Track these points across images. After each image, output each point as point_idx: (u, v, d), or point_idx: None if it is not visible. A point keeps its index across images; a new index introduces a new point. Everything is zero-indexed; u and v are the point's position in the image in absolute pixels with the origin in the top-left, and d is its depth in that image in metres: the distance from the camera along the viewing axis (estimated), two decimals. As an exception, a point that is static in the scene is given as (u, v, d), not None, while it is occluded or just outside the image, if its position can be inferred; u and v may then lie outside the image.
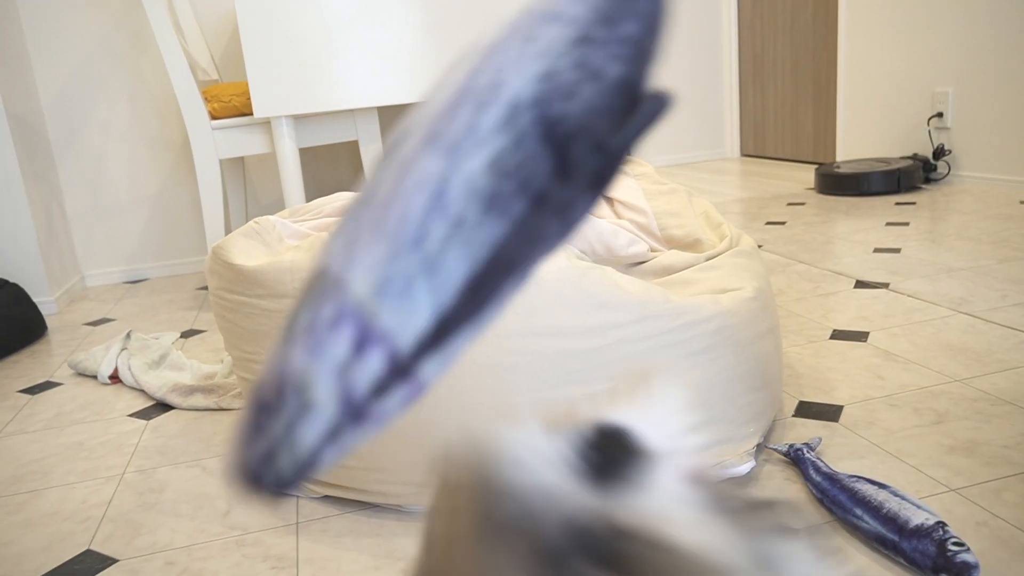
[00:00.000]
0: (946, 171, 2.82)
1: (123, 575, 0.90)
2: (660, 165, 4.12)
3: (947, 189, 2.71)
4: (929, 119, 2.84)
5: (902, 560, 0.77)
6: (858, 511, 0.83)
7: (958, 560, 0.72)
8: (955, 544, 0.73)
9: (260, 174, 2.66)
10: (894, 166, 2.75)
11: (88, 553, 0.96)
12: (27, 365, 1.76)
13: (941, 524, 0.76)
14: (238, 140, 1.96)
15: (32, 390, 1.59)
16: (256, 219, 1.11)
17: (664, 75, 4.00)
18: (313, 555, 0.91)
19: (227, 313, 1.05)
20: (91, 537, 1.00)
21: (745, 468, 0.96)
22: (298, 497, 1.04)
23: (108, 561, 0.94)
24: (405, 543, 0.91)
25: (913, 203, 2.54)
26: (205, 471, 1.15)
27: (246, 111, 1.98)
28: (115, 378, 1.58)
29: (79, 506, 1.08)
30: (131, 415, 1.40)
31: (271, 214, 2.72)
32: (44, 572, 0.93)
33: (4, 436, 1.36)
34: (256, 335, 1.00)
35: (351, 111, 1.98)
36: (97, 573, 0.91)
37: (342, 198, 1.24)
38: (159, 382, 1.47)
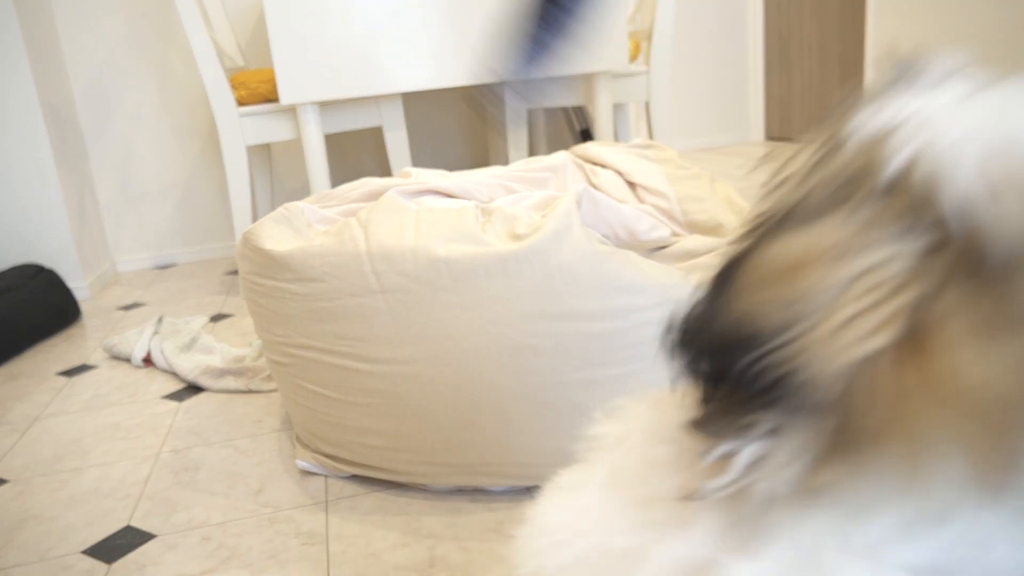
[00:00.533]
0: (975, 153, 2.78)
1: (162, 550, 0.94)
2: (684, 149, 4.09)
3: (976, 171, 2.68)
4: (958, 100, 2.79)
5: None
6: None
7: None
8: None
9: (286, 160, 2.69)
10: (922, 148, 2.72)
11: (128, 529, 1.00)
12: (64, 349, 1.81)
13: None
14: (264, 126, 1.99)
15: (69, 373, 1.64)
16: (285, 205, 1.14)
17: (687, 55, 3.97)
18: (342, 532, 0.94)
19: (258, 297, 1.08)
20: (131, 513, 1.03)
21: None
22: (327, 476, 1.07)
23: (147, 536, 0.97)
24: (431, 521, 0.94)
25: (941, 186, 2.51)
26: (237, 451, 1.19)
27: (272, 98, 2.01)
28: (148, 361, 1.62)
29: (118, 484, 1.12)
30: (164, 397, 1.44)
31: (297, 200, 2.75)
32: (88, 546, 0.97)
33: (45, 417, 1.41)
34: (286, 318, 1.03)
35: (376, 97, 2.00)
36: (137, 547, 0.95)
37: (368, 184, 1.25)
38: (190, 365, 1.51)
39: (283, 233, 1.05)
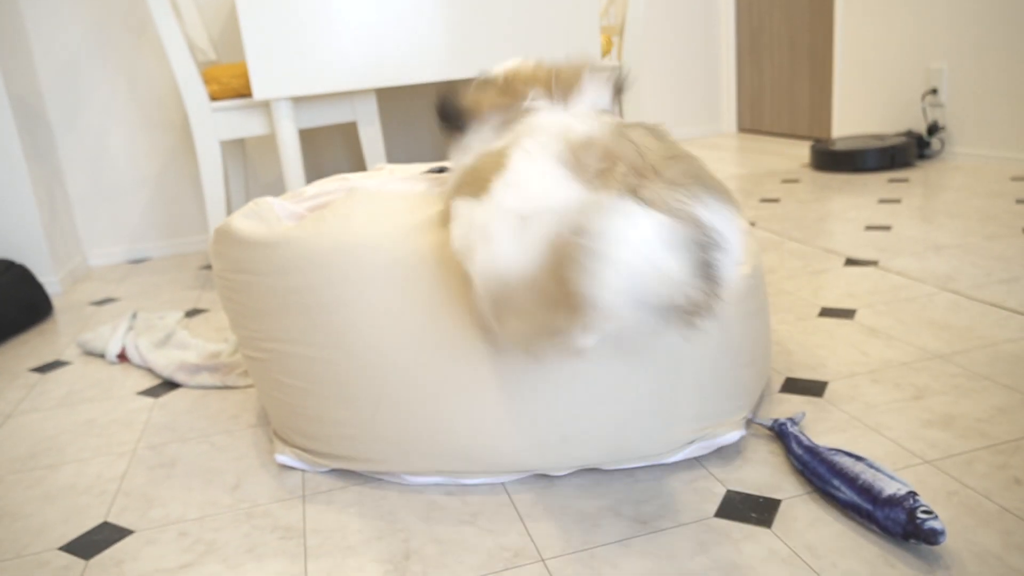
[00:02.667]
0: (940, 147, 2.85)
1: (140, 545, 0.95)
2: (657, 141, 4.13)
3: (940, 165, 2.74)
4: (924, 95, 2.85)
5: (875, 527, 0.82)
6: (836, 482, 0.88)
7: (926, 527, 0.77)
8: (924, 512, 0.78)
9: (260, 153, 2.68)
10: (888, 143, 2.78)
11: (105, 525, 1.01)
12: (36, 344, 1.80)
13: (912, 494, 0.80)
14: (238, 122, 1.99)
15: (42, 369, 1.63)
16: (255, 200, 1.15)
17: (660, 50, 4.00)
18: (319, 525, 0.96)
19: (232, 293, 1.09)
20: (107, 509, 1.04)
21: (734, 437, 1.00)
22: (305, 471, 1.09)
23: (125, 532, 0.98)
24: (406, 515, 0.96)
25: (906, 180, 2.57)
26: (214, 446, 1.20)
27: (245, 92, 2.00)
28: (123, 357, 1.62)
29: (94, 480, 1.13)
30: (139, 393, 1.45)
31: (272, 194, 2.75)
32: (65, 542, 0.97)
33: (19, 414, 1.41)
34: (261, 313, 1.04)
35: (350, 93, 2.00)
36: (115, 543, 0.96)
37: (342, 179, 1.27)
38: (166, 360, 1.51)
39: (253, 227, 1.06)
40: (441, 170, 1.22)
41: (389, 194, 1.06)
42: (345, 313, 0.96)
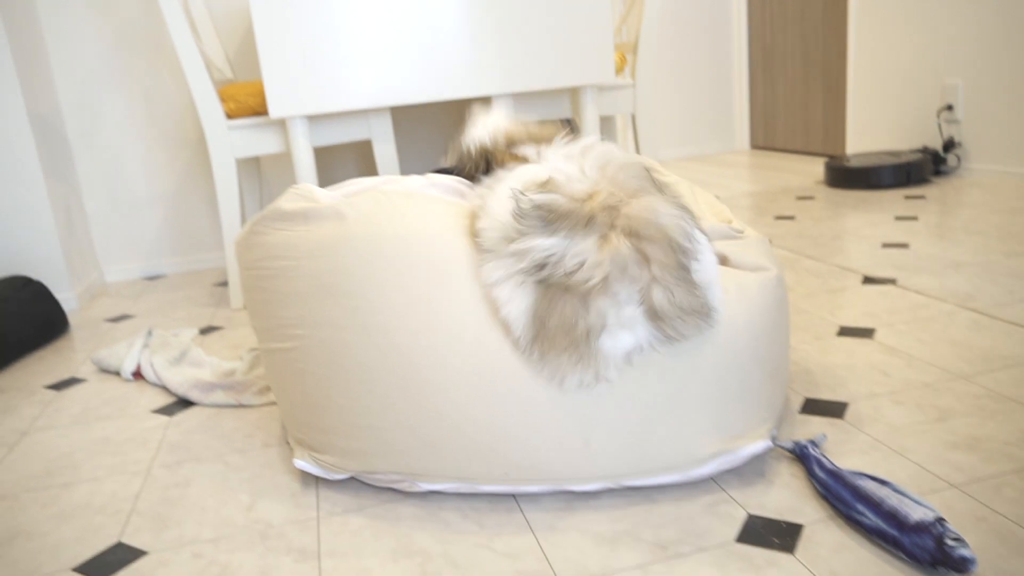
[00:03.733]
0: (956, 164, 2.83)
1: (154, 567, 0.95)
2: (670, 158, 4.13)
3: (957, 182, 2.72)
4: (939, 111, 2.84)
5: (902, 554, 0.80)
6: (860, 507, 0.86)
7: (956, 555, 0.75)
8: (953, 539, 0.76)
9: (275, 171, 2.70)
10: (904, 159, 2.76)
11: (119, 545, 1.00)
12: (52, 361, 1.81)
13: (940, 520, 0.78)
14: (254, 139, 2.00)
15: (58, 386, 1.64)
16: (295, 185, 1.17)
17: (673, 66, 4.00)
18: (334, 547, 0.94)
19: (264, 282, 1.07)
20: (122, 529, 1.04)
21: (761, 446, 0.98)
22: (319, 491, 1.08)
23: (139, 553, 0.98)
24: (422, 536, 0.95)
25: (922, 197, 2.55)
26: (228, 466, 1.19)
27: (261, 111, 2.01)
28: (138, 374, 1.62)
29: (109, 499, 1.13)
30: (154, 411, 1.45)
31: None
32: (79, 563, 0.97)
33: (34, 431, 1.41)
34: (294, 297, 1.03)
35: (365, 111, 2.01)
36: (129, 564, 0.95)
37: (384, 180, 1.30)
38: (180, 378, 1.51)
39: (302, 204, 1.08)
40: (446, 171, 1.29)
41: (438, 197, 1.08)
42: (381, 299, 0.97)
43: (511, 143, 1.14)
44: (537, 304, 0.88)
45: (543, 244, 0.85)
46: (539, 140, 1.13)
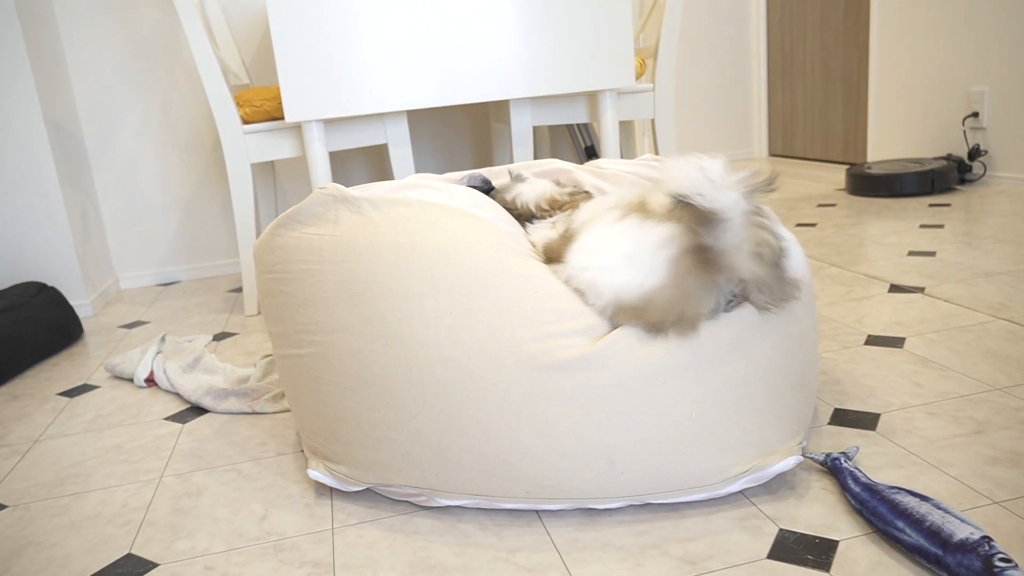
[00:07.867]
0: (982, 172, 2.77)
1: (164, 579, 0.92)
2: (687, 165, 4.08)
3: (983, 190, 2.66)
4: (964, 119, 2.79)
5: (945, 575, 0.76)
6: (900, 523, 0.82)
7: (1005, 576, 0.71)
8: (1002, 560, 0.72)
9: (290, 176, 2.68)
10: (928, 167, 2.71)
11: (130, 557, 0.97)
12: (65, 368, 1.79)
13: (987, 539, 0.74)
14: (269, 144, 1.98)
15: (71, 393, 1.62)
16: (322, 184, 1.14)
17: (692, 72, 3.97)
18: (349, 561, 0.91)
19: (283, 287, 1.05)
20: (132, 540, 1.01)
21: (792, 462, 0.94)
22: (333, 502, 1.05)
23: (149, 565, 0.95)
24: (440, 550, 0.92)
25: (948, 205, 2.50)
26: (241, 475, 1.17)
27: (277, 115, 2.00)
28: (151, 381, 1.60)
29: (120, 509, 1.10)
30: (167, 418, 1.43)
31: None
32: (88, 575, 0.94)
33: (46, 439, 1.39)
34: (315, 303, 1.00)
35: (381, 115, 1.99)
36: (139, 576, 0.93)
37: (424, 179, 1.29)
38: (193, 385, 1.49)
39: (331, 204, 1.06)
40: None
41: (468, 212, 1.05)
42: (405, 309, 0.94)
43: (554, 206, 1.25)
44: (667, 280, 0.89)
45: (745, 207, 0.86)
46: (575, 204, 1.21)
